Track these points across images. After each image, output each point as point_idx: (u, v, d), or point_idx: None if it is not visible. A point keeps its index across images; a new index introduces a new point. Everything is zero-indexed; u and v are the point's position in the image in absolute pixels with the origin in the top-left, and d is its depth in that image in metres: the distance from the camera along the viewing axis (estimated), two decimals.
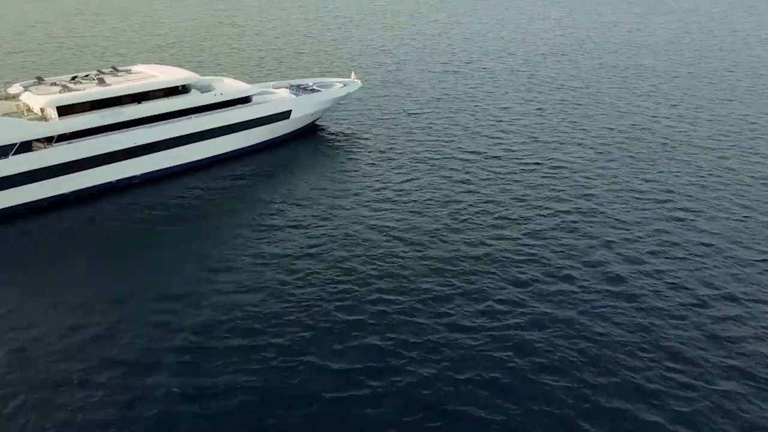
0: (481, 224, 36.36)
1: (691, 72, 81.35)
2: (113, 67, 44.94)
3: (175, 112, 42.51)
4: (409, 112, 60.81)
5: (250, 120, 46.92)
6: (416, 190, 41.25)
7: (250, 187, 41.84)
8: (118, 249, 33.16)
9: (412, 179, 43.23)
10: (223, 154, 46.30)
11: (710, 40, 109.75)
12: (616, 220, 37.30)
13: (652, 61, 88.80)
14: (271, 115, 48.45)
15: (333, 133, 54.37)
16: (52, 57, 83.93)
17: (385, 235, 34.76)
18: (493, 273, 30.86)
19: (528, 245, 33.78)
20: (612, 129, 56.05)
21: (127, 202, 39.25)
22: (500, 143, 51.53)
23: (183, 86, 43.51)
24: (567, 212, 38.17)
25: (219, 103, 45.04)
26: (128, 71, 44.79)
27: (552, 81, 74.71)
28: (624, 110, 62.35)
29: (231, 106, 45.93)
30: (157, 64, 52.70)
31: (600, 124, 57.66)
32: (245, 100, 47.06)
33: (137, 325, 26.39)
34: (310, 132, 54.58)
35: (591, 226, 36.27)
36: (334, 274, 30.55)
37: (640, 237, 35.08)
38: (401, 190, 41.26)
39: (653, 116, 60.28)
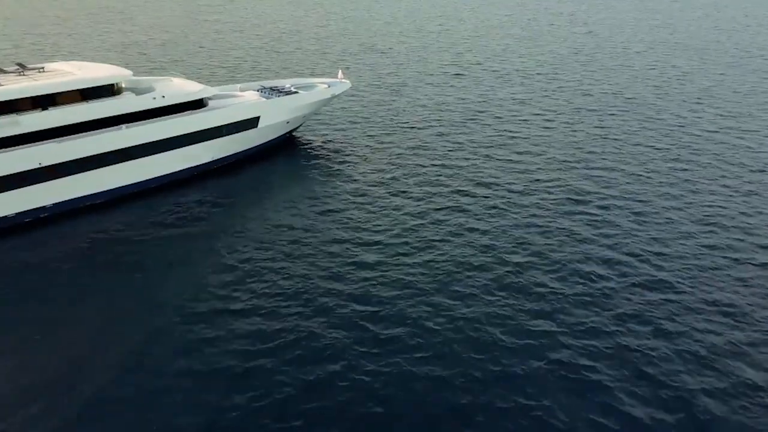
0: (493, 283, 26.29)
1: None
2: (19, 64, 34.67)
3: (96, 121, 32.36)
4: (408, 121, 50.77)
5: (204, 130, 36.78)
6: (416, 230, 31.12)
7: (199, 223, 31.65)
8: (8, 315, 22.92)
9: (411, 213, 33.09)
10: (166, 176, 36.15)
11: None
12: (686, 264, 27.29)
13: (686, 62, 79.10)
14: (232, 124, 38.32)
15: (315, 147, 44.23)
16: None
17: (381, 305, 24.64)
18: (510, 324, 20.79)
19: (550, 284, 23.74)
20: (657, 149, 46.05)
21: (25, 245, 29.01)
22: (516, 162, 41.48)
23: (109, 87, 33.35)
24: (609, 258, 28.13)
25: (160, 108, 34.87)
26: (40, 69, 34.54)
27: (573, 85, 64.78)
28: (670, 126, 52.39)
29: (177, 112, 35.78)
30: (87, 61, 42.23)
31: (637, 139, 47.66)
32: (197, 105, 36.92)
33: None
34: (286, 145, 44.46)
35: (635, 271, 26.24)
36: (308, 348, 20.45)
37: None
38: (398, 230, 31.12)
39: (707, 131, 50.34)
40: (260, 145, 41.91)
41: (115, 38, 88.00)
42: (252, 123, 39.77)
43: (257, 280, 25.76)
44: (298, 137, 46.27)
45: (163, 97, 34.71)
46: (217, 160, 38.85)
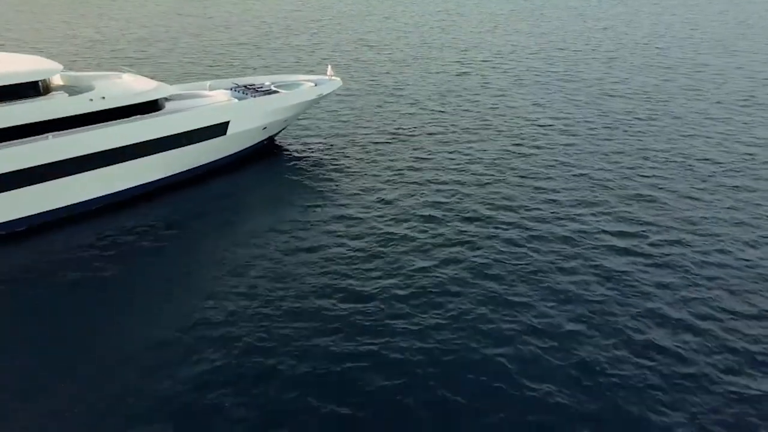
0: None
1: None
2: None
3: (13, 128, 25.88)
4: (407, 128, 44.36)
5: (156, 140, 30.29)
6: (419, 279, 24.64)
7: (136, 260, 25.13)
8: None
9: (413, 250, 26.61)
10: (105, 197, 29.65)
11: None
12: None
13: (717, 59, 72.78)
14: (193, 131, 31.84)
15: (297, 158, 37.78)
16: None
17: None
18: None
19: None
20: (709, 162, 39.65)
21: None
22: (537, 179, 35.06)
23: (32, 85, 26.85)
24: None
25: (100, 112, 28.38)
26: None
27: (593, 85, 58.40)
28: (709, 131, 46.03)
29: (123, 116, 29.30)
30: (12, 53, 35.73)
31: (680, 149, 41.28)
32: (149, 107, 30.42)
33: None
34: (262, 154, 37.99)
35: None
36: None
37: None
38: (398, 278, 24.62)
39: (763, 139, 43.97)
40: (230, 155, 35.45)
41: (85, 33, 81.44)
42: (219, 129, 33.29)
43: (211, 350, 19.23)
44: (279, 143, 39.77)
45: (103, 98, 28.22)
46: (174, 175, 32.35)
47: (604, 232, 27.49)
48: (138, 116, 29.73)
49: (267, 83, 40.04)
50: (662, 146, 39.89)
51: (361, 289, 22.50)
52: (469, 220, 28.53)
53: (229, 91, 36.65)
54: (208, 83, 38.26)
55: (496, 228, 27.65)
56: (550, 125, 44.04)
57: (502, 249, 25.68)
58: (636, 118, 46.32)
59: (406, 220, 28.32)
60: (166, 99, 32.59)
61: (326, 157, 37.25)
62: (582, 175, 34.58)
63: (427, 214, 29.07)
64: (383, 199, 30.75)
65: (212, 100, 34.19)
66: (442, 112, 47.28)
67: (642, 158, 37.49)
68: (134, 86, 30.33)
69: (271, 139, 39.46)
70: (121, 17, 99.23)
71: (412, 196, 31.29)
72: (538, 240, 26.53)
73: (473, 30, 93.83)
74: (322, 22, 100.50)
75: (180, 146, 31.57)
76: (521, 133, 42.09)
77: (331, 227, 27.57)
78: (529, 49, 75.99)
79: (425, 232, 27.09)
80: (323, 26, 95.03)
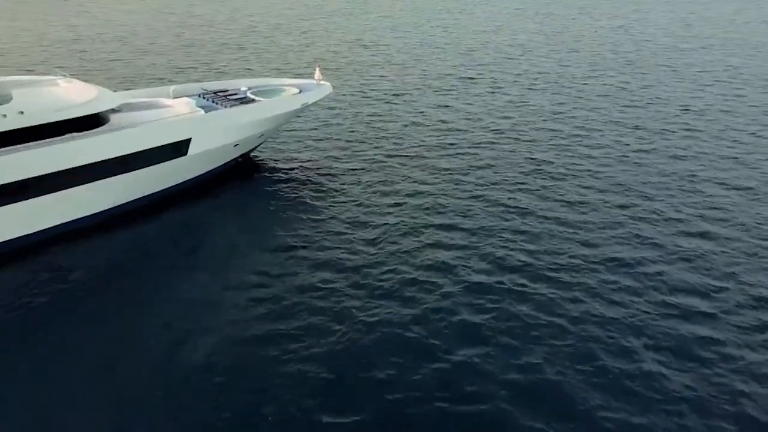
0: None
1: None
2: None
3: None
4: (407, 142, 38.85)
5: (96, 164, 24.63)
6: (418, 331, 19.04)
7: (83, 307, 19.51)
8: None
9: (412, 301, 21.00)
10: (32, 235, 24.00)
11: None
12: None
13: (745, 61, 67.33)
14: (145, 152, 26.18)
15: (275, 179, 32.17)
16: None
17: None
18: None
19: None
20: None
21: None
22: (559, 206, 29.51)
23: None
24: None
25: (17, 131, 22.73)
26: None
27: (616, 93, 52.91)
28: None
29: (53, 134, 23.66)
30: None
31: (731, 175, 35.83)
32: (88, 123, 24.80)
33: None
34: (232, 174, 32.35)
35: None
36: None
37: None
38: (392, 335, 19.02)
39: None
40: (192, 179, 29.77)
41: (54, 34, 75.78)
42: (178, 149, 27.66)
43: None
44: (256, 158, 34.14)
45: (21, 113, 22.55)
46: (120, 206, 26.68)
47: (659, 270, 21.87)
48: (71, 135, 24.05)
49: (243, 88, 34.54)
50: (702, 167, 34.31)
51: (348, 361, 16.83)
52: (481, 256, 22.87)
53: (194, 99, 30.98)
54: (171, 88, 32.59)
55: (507, 266, 21.99)
56: (572, 141, 38.45)
57: (543, 319, 20.02)
58: (672, 132, 40.76)
59: (401, 258, 22.62)
60: (113, 111, 26.89)
61: (312, 179, 31.60)
62: (614, 202, 28.94)
63: (435, 260, 23.38)
64: (378, 239, 25.09)
65: (172, 112, 28.48)
66: (447, 123, 41.68)
67: (686, 181, 31.91)
68: (67, 96, 24.66)
69: (246, 155, 33.83)
70: (102, 15, 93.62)
71: (414, 233, 25.62)
72: (579, 288, 20.88)
73: (478, 29, 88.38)
74: (315, 20, 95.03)
75: (126, 171, 25.94)
76: (541, 149, 36.49)
77: (314, 278, 21.90)
78: (540, 51, 70.51)
79: (431, 291, 21.31)
80: (316, 25, 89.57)
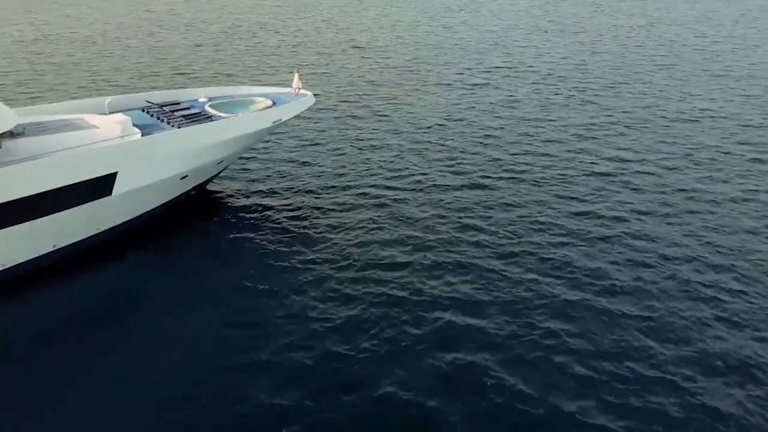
0: None
1: None
2: None
3: None
4: (406, 167, 32.30)
5: None
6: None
7: None
8: None
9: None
10: None
11: None
12: None
13: None
14: (47, 194, 19.45)
15: (241, 222, 25.52)
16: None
17: None
18: None
19: None
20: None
21: None
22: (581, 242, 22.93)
23: None
24: None
25: None
26: None
27: (653, 104, 46.49)
28: None
29: None
30: None
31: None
32: None
33: None
34: (185, 211, 25.70)
35: None
36: None
37: None
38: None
39: None
40: (121, 224, 23.06)
41: (15, 33, 69.17)
42: (98, 187, 20.96)
43: None
44: (214, 190, 27.49)
45: None
46: (20, 264, 20.02)
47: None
48: None
49: (201, 100, 28.06)
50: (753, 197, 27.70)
51: None
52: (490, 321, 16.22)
53: (132, 115, 24.28)
54: (107, 100, 25.79)
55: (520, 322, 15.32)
56: (601, 163, 31.85)
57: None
58: (720, 152, 34.21)
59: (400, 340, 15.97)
60: (11, 135, 20.21)
61: (286, 219, 24.93)
62: (659, 252, 22.29)
63: (428, 298, 16.71)
64: (362, 319, 18.39)
65: (94, 135, 21.77)
66: (452, 144, 35.07)
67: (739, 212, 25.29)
68: None
69: (201, 186, 27.16)
70: (75, 12, 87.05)
71: (414, 288, 18.95)
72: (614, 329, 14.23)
73: (485, 29, 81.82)
74: (307, 18, 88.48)
75: (25, 219, 19.23)
76: (565, 176, 29.87)
77: (278, 372, 15.21)
78: (558, 54, 63.96)
79: (432, 325, 14.64)
80: (306, 23, 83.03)
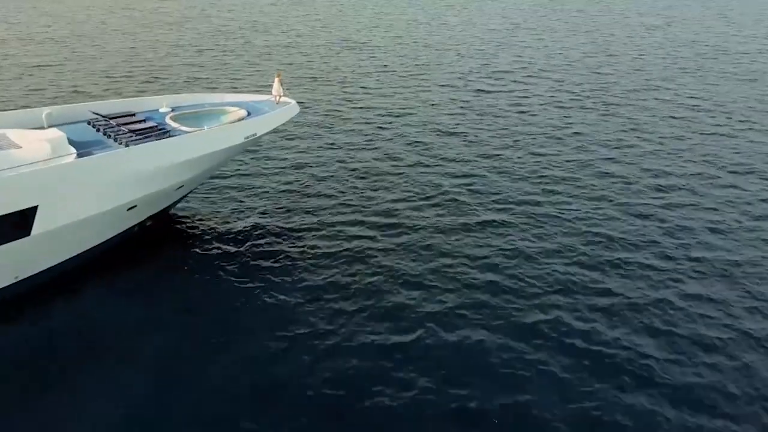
0: None
1: None
2: None
3: None
4: (402, 189, 28.04)
5: None
6: None
7: None
8: None
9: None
10: None
11: None
12: None
13: None
14: None
15: (202, 251, 21.20)
16: None
17: None
18: None
19: None
20: None
21: None
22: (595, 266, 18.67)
23: None
24: None
25: None
26: None
27: (676, 113, 42.41)
28: None
29: None
30: None
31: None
32: None
33: None
34: (136, 245, 21.37)
35: None
36: None
37: None
38: None
39: None
40: (49, 270, 18.69)
41: None
42: (12, 225, 16.57)
43: None
44: (178, 216, 23.15)
45: None
46: None
47: None
48: None
49: (163, 109, 23.90)
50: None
51: None
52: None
53: (73, 130, 20.01)
54: (45, 112, 21.36)
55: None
56: (619, 181, 27.58)
57: None
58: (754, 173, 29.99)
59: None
60: None
61: (260, 252, 20.55)
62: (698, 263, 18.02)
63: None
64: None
65: (13, 157, 17.33)
66: (457, 159, 30.78)
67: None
68: None
69: (158, 216, 22.80)
70: (52, 9, 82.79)
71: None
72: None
73: (489, 28, 77.62)
74: (300, 18, 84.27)
75: None
76: (579, 194, 25.59)
77: None
78: (570, 57, 59.72)
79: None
80: (299, 22, 78.82)
